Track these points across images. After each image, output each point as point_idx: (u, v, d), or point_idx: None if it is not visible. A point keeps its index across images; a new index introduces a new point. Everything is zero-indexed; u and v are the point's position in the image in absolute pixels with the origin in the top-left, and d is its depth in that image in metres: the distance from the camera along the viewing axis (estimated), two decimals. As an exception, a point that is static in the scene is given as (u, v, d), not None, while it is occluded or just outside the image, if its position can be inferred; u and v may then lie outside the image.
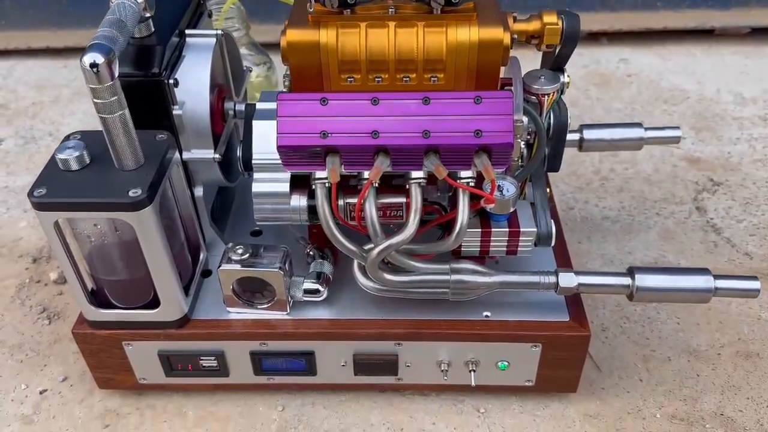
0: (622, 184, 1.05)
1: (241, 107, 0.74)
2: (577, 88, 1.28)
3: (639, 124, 0.83)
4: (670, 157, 1.10)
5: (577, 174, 1.07)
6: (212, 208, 0.76)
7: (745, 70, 1.33)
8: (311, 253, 0.72)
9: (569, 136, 0.79)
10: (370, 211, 0.62)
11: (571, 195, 1.03)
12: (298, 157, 0.61)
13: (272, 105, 0.66)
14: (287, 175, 0.65)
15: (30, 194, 0.58)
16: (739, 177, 1.06)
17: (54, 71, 1.40)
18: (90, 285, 0.67)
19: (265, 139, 0.66)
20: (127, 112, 0.57)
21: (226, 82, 0.74)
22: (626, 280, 0.67)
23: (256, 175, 0.66)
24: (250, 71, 0.82)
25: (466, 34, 0.60)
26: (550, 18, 0.64)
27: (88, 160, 0.61)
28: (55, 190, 0.58)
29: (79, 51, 0.59)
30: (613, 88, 1.28)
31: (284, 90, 0.66)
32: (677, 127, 0.83)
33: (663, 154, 1.10)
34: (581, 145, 0.82)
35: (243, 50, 1.01)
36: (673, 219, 0.98)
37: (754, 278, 0.66)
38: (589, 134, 0.82)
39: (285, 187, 0.66)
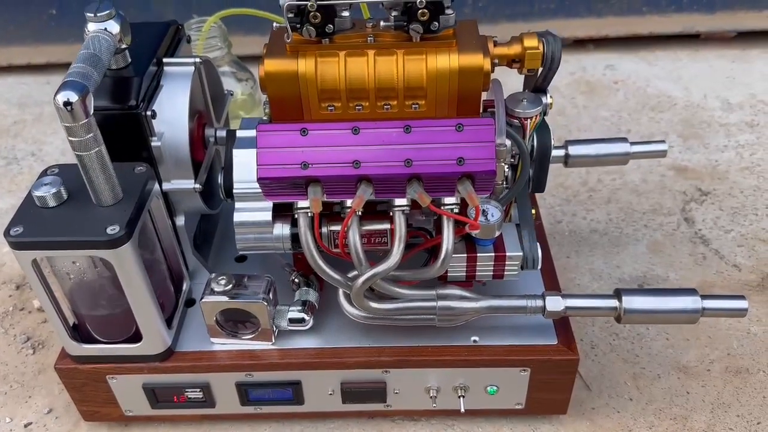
0: (610, 195, 1.05)
1: (222, 133, 0.73)
2: (563, 96, 1.27)
3: (624, 139, 0.82)
4: (657, 167, 1.09)
5: (564, 186, 1.06)
6: (195, 235, 0.75)
7: (731, 75, 1.33)
8: (296, 280, 0.71)
9: (555, 153, 0.79)
10: (354, 240, 0.61)
11: (558, 208, 1.03)
12: (279, 187, 0.61)
13: (252, 132, 0.65)
14: (269, 203, 0.64)
15: (6, 233, 0.57)
16: (726, 186, 1.05)
17: (36, 88, 1.38)
18: (72, 320, 0.66)
19: (245, 167, 0.65)
20: (103, 148, 0.56)
21: (206, 108, 0.73)
22: (613, 303, 0.66)
23: (237, 205, 0.65)
24: (232, 95, 0.81)
25: (446, 61, 0.59)
26: (531, 42, 0.63)
27: (65, 196, 0.60)
28: (31, 228, 0.57)
29: (63, 66, 0.58)
30: (599, 96, 1.28)
31: (265, 116, 0.65)
32: (663, 141, 0.83)
33: (650, 163, 1.10)
34: (567, 161, 0.82)
35: (225, 68, 1.00)
36: (661, 231, 0.98)
37: (741, 297, 0.66)
38: (574, 150, 0.81)
39: (267, 215, 0.65)
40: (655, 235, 0.97)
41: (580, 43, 1.41)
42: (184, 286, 0.72)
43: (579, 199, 1.04)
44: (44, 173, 0.62)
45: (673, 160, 1.11)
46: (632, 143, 0.82)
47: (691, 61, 1.38)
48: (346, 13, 0.59)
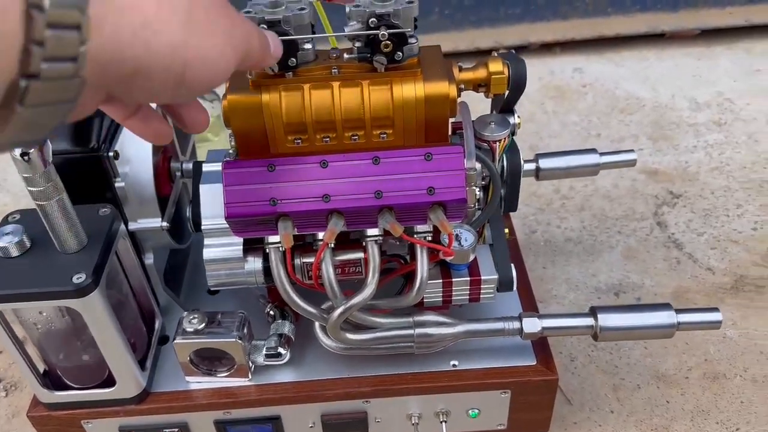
0: (583, 202, 1.05)
1: (189, 166, 0.72)
2: (532, 102, 1.27)
3: (594, 150, 0.82)
4: (628, 171, 1.10)
5: (537, 194, 1.07)
6: (165, 270, 0.73)
7: (697, 73, 1.34)
8: (272, 312, 0.70)
9: (526, 167, 0.78)
10: (328, 272, 0.60)
11: (533, 217, 1.03)
12: (248, 224, 0.60)
13: (219, 166, 0.64)
14: (240, 238, 0.63)
15: (-32, 287, 0.56)
16: (697, 187, 1.06)
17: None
18: (42, 366, 0.65)
19: (213, 203, 0.64)
20: (65, 195, 0.55)
21: (171, 142, 0.72)
22: (590, 321, 0.66)
23: (206, 241, 0.64)
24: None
25: (412, 90, 0.59)
26: (496, 66, 0.63)
27: (28, 244, 0.58)
28: (-6, 281, 0.56)
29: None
30: (568, 100, 1.28)
31: (230, 149, 0.64)
32: (632, 150, 0.83)
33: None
34: (538, 174, 0.82)
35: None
36: (634, 237, 0.98)
37: (715, 310, 0.66)
38: (545, 164, 0.81)
39: (238, 251, 0.64)
40: (629, 241, 0.98)
41: (547, 47, 1.42)
42: (157, 324, 0.71)
43: (552, 208, 1.04)
44: (5, 221, 0.60)
45: (643, 163, 1.11)
46: (602, 153, 0.82)
47: (658, 60, 1.39)
48: (308, 46, 0.58)
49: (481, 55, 1.41)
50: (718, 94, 1.27)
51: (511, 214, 0.82)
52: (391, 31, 0.55)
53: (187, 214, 0.70)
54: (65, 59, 0.28)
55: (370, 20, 0.55)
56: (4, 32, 0.26)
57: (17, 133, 0.29)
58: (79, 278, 0.55)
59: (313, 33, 0.58)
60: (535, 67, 1.38)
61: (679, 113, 1.23)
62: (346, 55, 0.59)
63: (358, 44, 0.58)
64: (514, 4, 1.38)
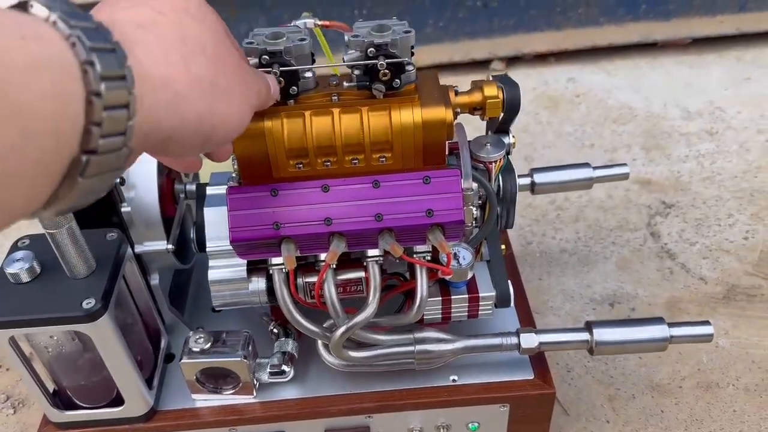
0: (577, 213, 1.07)
1: (192, 187, 0.74)
2: (527, 113, 1.29)
3: (587, 165, 0.84)
4: (622, 181, 1.11)
5: (533, 206, 1.08)
6: (170, 290, 0.75)
7: (689, 82, 1.36)
8: (275, 330, 0.72)
9: (521, 181, 0.80)
10: (330, 292, 0.62)
11: (528, 228, 1.05)
12: (252, 248, 0.61)
13: (222, 189, 0.66)
14: (244, 260, 0.65)
15: (-20, 313, 0.57)
16: (689, 197, 1.08)
17: None
18: (51, 387, 0.66)
19: (217, 225, 0.66)
20: (74, 223, 0.56)
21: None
22: (585, 336, 0.68)
23: (211, 263, 0.66)
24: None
25: (410, 115, 0.60)
26: (491, 90, 0.64)
27: (38, 270, 0.60)
28: (7, 307, 0.57)
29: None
30: (562, 111, 1.30)
31: (234, 173, 0.65)
32: (624, 164, 0.85)
33: (615, 177, 1.12)
34: (533, 188, 0.84)
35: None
36: (628, 247, 1.00)
37: (706, 323, 0.68)
38: (539, 178, 0.83)
39: (242, 272, 0.66)
40: (622, 251, 1.00)
41: (541, 58, 1.43)
42: (162, 343, 0.72)
43: (548, 219, 1.06)
44: (15, 247, 0.62)
45: (636, 173, 1.13)
46: (595, 168, 0.84)
47: (650, 68, 1.41)
48: (309, 74, 0.59)
49: (476, 66, 1.43)
50: (709, 102, 1.29)
51: (507, 234, 0.84)
52: (389, 60, 0.57)
53: (191, 235, 0.72)
54: (117, 134, 0.31)
55: (368, 50, 0.57)
56: (69, 118, 0.29)
57: (78, 199, 0.32)
58: (88, 303, 0.57)
59: (314, 61, 0.60)
60: (530, 78, 1.40)
61: (671, 122, 1.25)
62: (345, 83, 0.60)
63: (357, 72, 0.59)
64: (508, 15, 1.40)
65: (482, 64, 1.43)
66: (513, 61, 1.44)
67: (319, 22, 0.64)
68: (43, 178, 0.29)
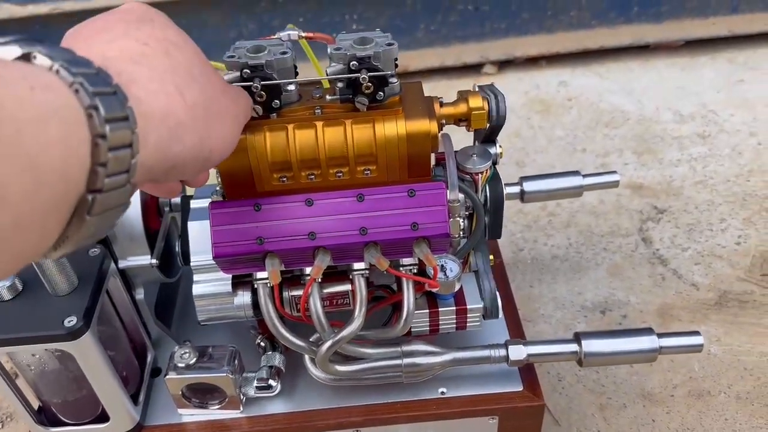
0: (569, 218, 1.06)
1: (177, 200, 0.73)
2: (519, 117, 1.29)
3: (577, 173, 0.84)
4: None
5: (524, 212, 1.08)
6: (155, 304, 0.74)
7: (681, 84, 1.35)
8: (262, 344, 0.71)
9: (511, 190, 0.80)
10: (316, 307, 0.62)
11: (520, 235, 1.04)
12: (236, 263, 0.61)
13: (206, 202, 0.66)
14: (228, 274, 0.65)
15: (-39, 332, 0.57)
16: (681, 202, 1.08)
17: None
18: (37, 404, 0.66)
19: (202, 240, 0.65)
20: (54, 240, 0.56)
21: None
22: (574, 347, 0.68)
23: (196, 277, 0.65)
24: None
25: (394, 128, 0.60)
26: (476, 102, 0.64)
27: (20, 287, 0.59)
28: (-13, 326, 0.57)
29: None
30: (554, 115, 1.30)
31: (218, 187, 0.65)
32: (614, 172, 0.85)
33: (607, 182, 1.12)
34: (522, 197, 0.83)
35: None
36: (620, 253, 1.00)
37: (696, 333, 0.68)
38: (529, 187, 0.83)
39: (227, 286, 0.65)
40: (614, 258, 0.99)
41: (532, 61, 1.43)
42: (149, 357, 0.72)
43: (539, 225, 1.06)
44: (-3, 263, 0.61)
45: (628, 178, 1.13)
46: (585, 176, 0.83)
47: (643, 71, 1.40)
48: (291, 87, 0.59)
49: (468, 70, 1.43)
50: (702, 105, 1.29)
51: (497, 243, 0.84)
52: (372, 74, 0.56)
53: (177, 248, 0.71)
54: (121, 173, 0.33)
55: (351, 63, 0.56)
56: (77, 161, 0.30)
57: (85, 238, 0.33)
58: (70, 321, 0.56)
59: (296, 74, 0.60)
60: (521, 81, 1.39)
61: (663, 126, 1.24)
62: (328, 96, 0.60)
63: (340, 85, 0.59)
64: (499, 18, 1.40)
65: (474, 68, 1.42)
66: (505, 64, 1.44)
67: (303, 34, 0.64)
68: (54, 220, 0.30)
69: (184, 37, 0.44)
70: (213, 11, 1.34)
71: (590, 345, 0.67)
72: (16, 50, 0.31)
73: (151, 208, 0.70)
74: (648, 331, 0.68)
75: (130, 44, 0.39)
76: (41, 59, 0.31)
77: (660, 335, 0.67)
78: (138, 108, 0.34)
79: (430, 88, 0.67)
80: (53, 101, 0.29)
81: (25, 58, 0.32)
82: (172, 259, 0.74)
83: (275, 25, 1.37)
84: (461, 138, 0.69)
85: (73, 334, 0.56)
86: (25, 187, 0.27)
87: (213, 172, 0.79)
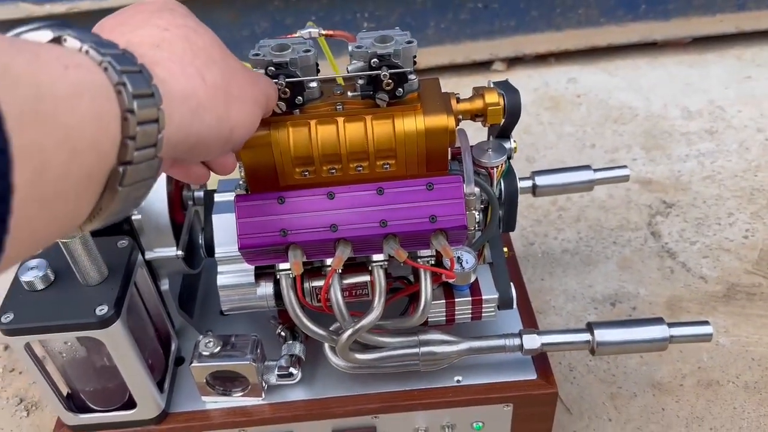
0: (579, 213, 1.08)
1: (200, 194, 0.75)
2: (528, 113, 1.30)
3: (588, 167, 0.86)
4: (623, 182, 1.13)
5: (534, 206, 1.10)
6: (179, 294, 0.77)
7: (689, 81, 1.37)
8: (282, 333, 0.73)
9: (523, 184, 0.82)
10: (336, 297, 0.64)
11: (530, 229, 1.06)
12: (260, 254, 0.63)
13: (229, 196, 0.68)
14: (252, 265, 0.67)
15: (-3, 321, 0.59)
16: (690, 197, 1.09)
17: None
18: (65, 390, 0.68)
19: (226, 232, 0.67)
20: (87, 232, 0.58)
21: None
22: (587, 336, 0.70)
23: (220, 268, 0.67)
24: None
25: (413, 123, 0.62)
26: (492, 98, 0.66)
27: (52, 277, 0.61)
28: (22, 314, 0.59)
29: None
30: (563, 111, 1.31)
31: (241, 181, 0.67)
32: (625, 166, 0.86)
33: (616, 177, 1.14)
34: (534, 191, 0.85)
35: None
36: (629, 247, 1.02)
37: (706, 323, 0.70)
38: (541, 181, 0.85)
39: (250, 277, 0.67)
40: (624, 251, 1.01)
41: (541, 58, 1.45)
42: (173, 346, 0.74)
43: (549, 219, 1.08)
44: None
45: (637, 173, 1.14)
46: (596, 170, 0.85)
47: (650, 68, 1.42)
48: (314, 84, 0.61)
49: (478, 67, 1.44)
50: (709, 102, 1.30)
51: (510, 236, 0.86)
52: (392, 71, 0.58)
53: (200, 240, 0.73)
54: (149, 146, 0.35)
55: (371, 60, 0.58)
56: (108, 135, 0.32)
57: (119, 208, 0.35)
58: (101, 310, 0.58)
59: (318, 71, 0.62)
60: (531, 78, 1.41)
61: (671, 122, 1.26)
62: (349, 93, 0.62)
63: (360, 82, 0.61)
64: (508, 16, 1.41)
65: (483, 65, 1.44)
66: (514, 62, 1.45)
67: (323, 32, 0.65)
68: (88, 191, 0.33)
69: (204, 26, 0.46)
70: (226, 10, 1.36)
71: (602, 334, 0.69)
72: (48, 34, 0.34)
73: (176, 201, 0.72)
74: (659, 320, 0.69)
75: (151, 31, 0.42)
76: (71, 41, 0.33)
77: (670, 325, 0.69)
78: (161, 87, 0.36)
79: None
80: (85, 79, 0.31)
81: (56, 41, 0.34)
82: (196, 251, 0.76)
83: (288, 23, 1.39)
84: (473, 133, 0.71)
85: (104, 322, 0.58)
86: (63, 159, 0.29)
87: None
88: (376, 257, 0.65)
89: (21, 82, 0.27)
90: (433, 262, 0.66)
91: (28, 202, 0.27)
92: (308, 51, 0.59)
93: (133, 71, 0.34)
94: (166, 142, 0.36)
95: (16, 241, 0.27)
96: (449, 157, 0.68)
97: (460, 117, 0.67)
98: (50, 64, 0.30)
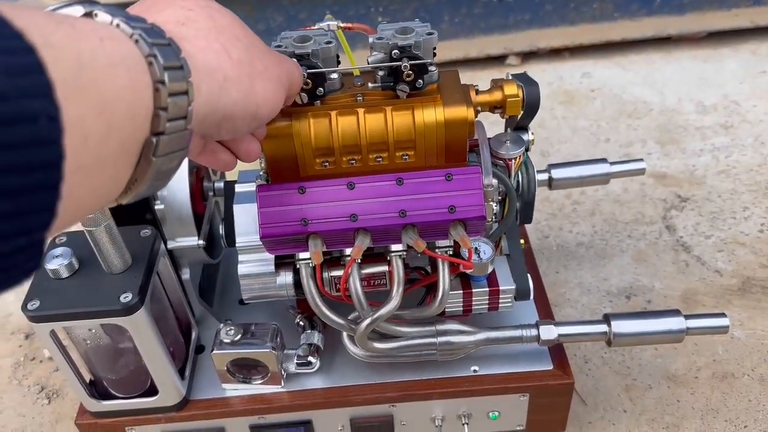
0: (593, 206, 1.08)
1: (220, 185, 0.76)
2: (542, 108, 1.29)
3: (604, 160, 0.86)
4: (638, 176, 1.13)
5: (549, 200, 1.10)
6: (199, 283, 0.78)
7: (703, 76, 1.37)
8: (301, 323, 0.74)
9: (539, 177, 0.82)
10: (355, 286, 0.64)
11: (545, 223, 1.06)
12: (281, 243, 0.64)
13: (250, 186, 0.69)
14: (272, 255, 0.67)
15: (24, 307, 0.60)
16: (704, 191, 1.09)
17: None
18: (88, 377, 0.69)
19: (246, 222, 0.68)
20: (111, 221, 0.59)
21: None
22: (603, 328, 0.70)
23: (240, 257, 0.68)
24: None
25: (432, 114, 0.62)
26: (511, 89, 0.66)
27: (77, 266, 0.62)
28: (48, 301, 0.60)
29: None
30: (577, 105, 1.31)
31: (261, 172, 0.67)
32: (641, 160, 0.87)
33: (631, 172, 1.14)
34: (551, 184, 0.85)
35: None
36: (644, 240, 1.02)
37: (722, 315, 0.70)
38: (557, 174, 0.85)
39: (270, 266, 0.68)
40: (638, 244, 1.01)
41: (556, 53, 1.45)
42: (193, 334, 0.75)
43: (564, 213, 1.08)
44: (53, 243, 0.64)
45: (652, 167, 1.14)
46: (612, 163, 0.85)
47: (665, 63, 1.42)
48: (335, 75, 0.61)
49: (492, 61, 1.45)
50: (724, 96, 1.30)
51: (525, 228, 0.86)
52: (413, 62, 0.59)
53: (220, 230, 0.74)
54: (179, 118, 0.36)
55: (392, 52, 0.59)
56: (142, 105, 0.33)
57: (152, 181, 0.36)
58: (126, 297, 0.60)
59: (339, 63, 0.62)
60: (545, 73, 1.41)
61: (686, 117, 1.26)
62: (370, 84, 0.62)
63: (381, 73, 0.61)
64: (522, 10, 1.41)
65: (498, 59, 1.44)
66: (528, 56, 1.45)
67: (342, 24, 0.66)
68: (125, 161, 0.34)
69: (224, 7, 0.47)
70: (241, 4, 1.37)
71: (619, 326, 0.70)
72: (79, 9, 0.35)
73: (197, 192, 0.73)
74: (675, 312, 0.70)
75: (176, 11, 0.43)
76: (102, 16, 0.35)
77: (687, 317, 0.69)
78: (189, 61, 0.37)
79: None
80: (120, 50, 0.32)
81: (88, 15, 0.35)
82: (216, 242, 0.77)
83: (302, 18, 1.39)
84: (490, 126, 0.71)
85: (129, 310, 0.60)
86: (101, 129, 0.30)
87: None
88: (395, 247, 0.66)
89: (64, 53, 0.28)
90: (450, 253, 0.66)
91: (75, 170, 0.28)
92: (329, 42, 0.60)
93: (163, 44, 0.35)
94: (195, 114, 0.37)
95: (63, 210, 0.28)
96: (468, 149, 0.68)
97: (479, 109, 0.68)
98: (87, 36, 0.31)
